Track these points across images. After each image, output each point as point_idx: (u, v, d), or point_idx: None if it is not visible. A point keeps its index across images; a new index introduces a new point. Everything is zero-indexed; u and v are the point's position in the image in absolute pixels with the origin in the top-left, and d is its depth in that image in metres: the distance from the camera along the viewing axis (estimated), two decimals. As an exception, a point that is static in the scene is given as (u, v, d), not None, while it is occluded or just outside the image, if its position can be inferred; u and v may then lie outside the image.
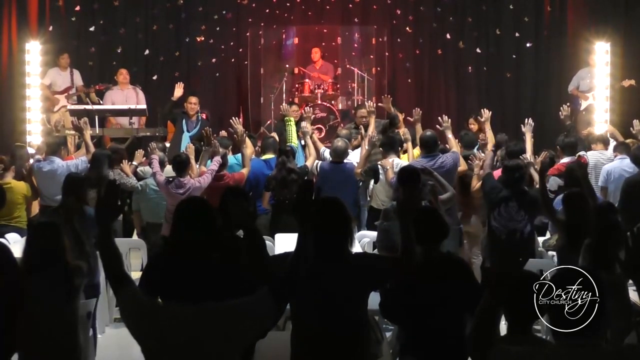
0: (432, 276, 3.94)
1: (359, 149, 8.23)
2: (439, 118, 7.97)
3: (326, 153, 8.17)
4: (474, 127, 9.76)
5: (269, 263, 3.25)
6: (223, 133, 9.45)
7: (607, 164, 7.96)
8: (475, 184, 7.21)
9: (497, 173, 7.01)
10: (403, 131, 8.33)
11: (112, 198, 2.93)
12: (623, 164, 7.74)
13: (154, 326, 2.77)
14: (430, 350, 3.90)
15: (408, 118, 9.52)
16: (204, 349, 2.73)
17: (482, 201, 7.46)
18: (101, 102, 10.99)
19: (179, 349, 2.74)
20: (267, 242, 4.23)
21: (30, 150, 9.28)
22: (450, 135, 7.68)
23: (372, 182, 7.88)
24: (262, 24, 12.90)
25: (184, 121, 9.76)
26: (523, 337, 3.13)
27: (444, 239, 4.15)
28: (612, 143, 8.71)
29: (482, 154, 7.49)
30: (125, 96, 10.86)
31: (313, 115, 9.76)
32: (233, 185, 6.98)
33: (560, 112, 9.01)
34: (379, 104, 9.27)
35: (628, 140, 8.44)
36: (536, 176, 7.19)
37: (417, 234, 3.62)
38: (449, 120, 7.95)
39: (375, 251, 6.86)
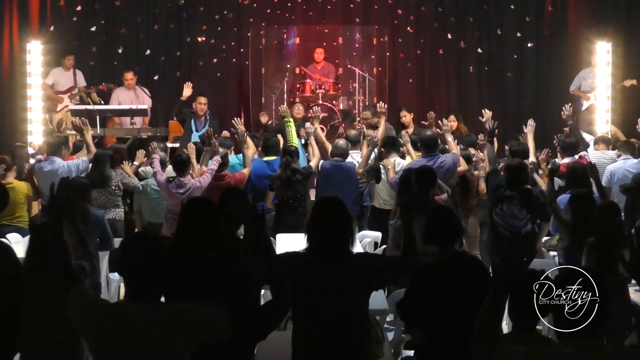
0: (450, 276, 3.86)
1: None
2: (439, 122, 7.96)
3: None
4: (453, 124, 9.64)
5: (275, 261, 3.25)
6: (225, 133, 9.45)
7: (609, 163, 7.92)
8: (483, 186, 7.17)
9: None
10: (407, 133, 8.33)
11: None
12: (627, 165, 7.69)
13: (101, 324, 2.75)
14: (451, 351, 3.83)
15: (423, 122, 9.51)
16: (147, 350, 2.70)
17: (479, 202, 7.45)
18: (102, 102, 10.98)
19: (124, 349, 2.71)
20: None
21: (31, 151, 9.27)
22: (450, 138, 7.67)
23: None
24: (264, 24, 12.89)
25: (192, 121, 9.76)
26: (527, 336, 3.13)
27: (459, 238, 4.14)
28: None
29: (482, 154, 7.48)
30: (131, 97, 10.88)
31: (321, 115, 9.75)
32: (233, 186, 6.99)
33: (562, 112, 9.00)
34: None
35: (632, 140, 8.41)
36: (538, 178, 7.19)
37: (433, 233, 3.60)
38: (450, 123, 7.94)
39: (377, 251, 6.88)
